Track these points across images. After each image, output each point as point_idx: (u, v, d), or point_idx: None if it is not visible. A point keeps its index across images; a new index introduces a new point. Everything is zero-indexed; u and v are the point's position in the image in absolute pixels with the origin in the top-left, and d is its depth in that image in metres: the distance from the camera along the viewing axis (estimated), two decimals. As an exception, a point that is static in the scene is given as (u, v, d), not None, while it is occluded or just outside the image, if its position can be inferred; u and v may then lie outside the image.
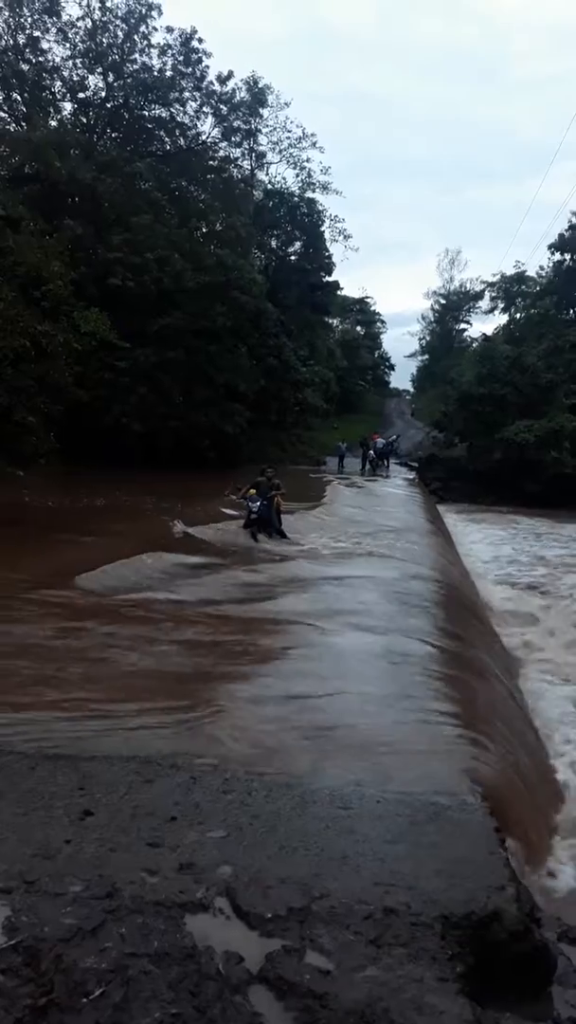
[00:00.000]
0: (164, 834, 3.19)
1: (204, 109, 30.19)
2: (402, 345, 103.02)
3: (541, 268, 46.01)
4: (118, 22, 27.41)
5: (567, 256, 41.94)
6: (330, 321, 49.69)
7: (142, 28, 27.46)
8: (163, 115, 28.88)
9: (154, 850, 3.06)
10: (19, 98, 27.15)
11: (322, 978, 2.41)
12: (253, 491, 13.23)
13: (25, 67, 26.63)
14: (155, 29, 27.65)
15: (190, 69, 28.67)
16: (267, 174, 38.33)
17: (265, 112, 34.62)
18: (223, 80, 30.36)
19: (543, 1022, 2.51)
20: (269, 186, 38.39)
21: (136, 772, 3.79)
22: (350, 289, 60.41)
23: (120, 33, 27.43)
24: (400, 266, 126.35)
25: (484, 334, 39.94)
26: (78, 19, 27.09)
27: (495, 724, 5.55)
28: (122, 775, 3.74)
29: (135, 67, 27.62)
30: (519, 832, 4.23)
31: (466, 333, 66.22)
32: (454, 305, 68.28)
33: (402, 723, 4.97)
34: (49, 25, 26.97)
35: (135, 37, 27.55)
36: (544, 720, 7.14)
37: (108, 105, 28.21)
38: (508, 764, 4.86)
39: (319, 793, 3.67)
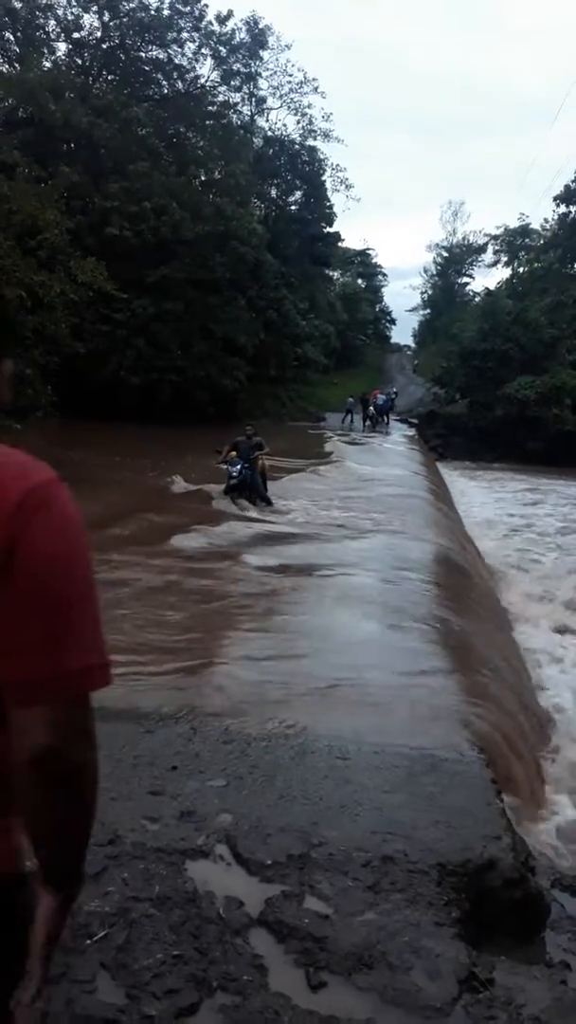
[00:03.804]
0: (165, 783, 3.23)
1: (203, 51, 29.29)
2: (403, 299, 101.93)
3: (546, 220, 45.14)
4: (113, -44, 26.41)
5: (572, 208, 41.11)
6: (331, 273, 48.81)
7: (138, -37, 26.48)
8: (160, 57, 27.98)
9: (155, 798, 3.10)
10: (12, 38, 26.28)
11: (321, 922, 2.47)
12: (234, 453, 11.95)
13: (18, 5, 25.71)
14: (151, -36, 26.67)
15: (188, 8, 27.71)
16: (267, 120, 37.22)
17: (265, 55, 33.50)
18: (222, 20, 29.43)
19: (536, 965, 2.57)
20: (269, 133, 37.27)
21: (136, 723, 3.83)
22: (351, 241, 59.41)
23: (115, -32, 26.45)
24: (402, 217, 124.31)
25: (487, 288, 39.41)
26: (72, -47, 26.09)
27: (492, 678, 5.60)
28: (122, 726, 3.77)
29: (131, 5, 26.64)
30: (514, 782, 4.30)
31: (469, 287, 65.26)
32: (457, 258, 67.08)
33: (400, 677, 5.01)
34: (42, -41, 25.98)
35: (131, -28, 26.57)
36: (540, 675, 7.23)
37: (104, 46, 27.31)
38: (504, 717, 4.91)
39: (318, 744, 3.71)
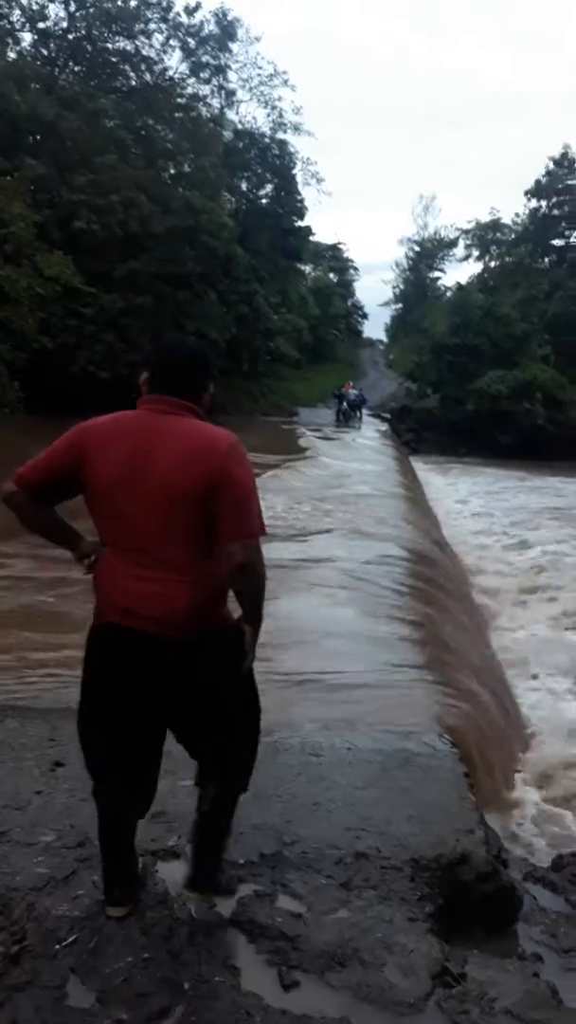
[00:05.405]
0: (136, 783, 3.18)
1: (171, 42, 29.11)
2: (375, 294, 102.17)
3: (516, 215, 45.41)
4: (78, -55, 26.04)
5: (543, 203, 41.46)
6: (302, 267, 48.72)
7: (104, -48, 26.13)
8: (128, 48, 27.70)
9: (126, 799, 3.05)
10: (-25, 27, 25.82)
11: (294, 921, 2.45)
12: None
13: (-19, -7, 25.29)
14: (118, -46, 26.34)
15: (156, -1, 27.48)
16: (237, 113, 37.00)
17: (235, 47, 33.21)
18: (191, 12, 29.28)
19: (509, 958, 2.57)
20: (239, 126, 37.11)
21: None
22: (323, 235, 59.19)
23: (81, -43, 26.08)
24: (373, 212, 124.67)
25: (458, 283, 39.71)
26: None
27: (464, 673, 5.63)
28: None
29: (98, -5, 26.35)
30: (487, 776, 4.33)
31: (440, 282, 65.66)
32: (428, 252, 67.41)
33: (373, 672, 5.02)
34: (5, -52, 25.53)
35: (97, -38, 26.22)
36: (513, 670, 7.29)
37: (70, 36, 26.95)
38: (477, 711, 4.94)
39: (290, 741, 3.69)
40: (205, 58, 31.54)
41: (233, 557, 2.10)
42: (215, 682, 2.25)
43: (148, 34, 27.94)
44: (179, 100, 28.90)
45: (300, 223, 40.02)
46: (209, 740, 2.39)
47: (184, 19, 29.12)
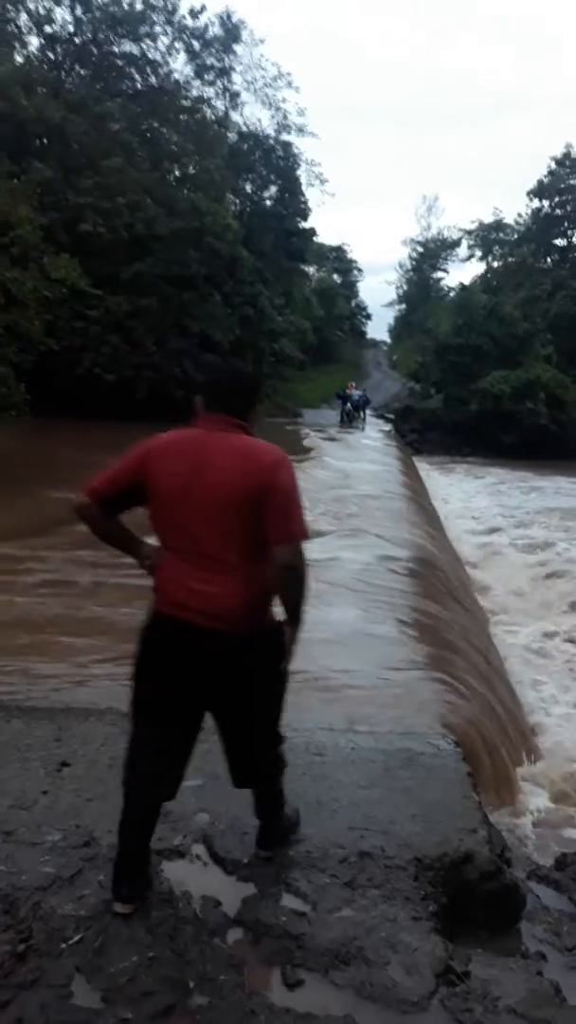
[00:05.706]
0: (141, 783, 3.20)
1: (176, 45, 29.13)
2: (379, 294, 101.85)
3: (519, 215, 45.34)
4: (83, -51, 26.10)
5: (545, 202, 41.38)
6: (306, 269, 48.66)
7: (109, -44, 26.20)
8: (133, 51, 27.73)
9: (131, 799, 3.07)
10: (-19, 31, 25.91)
11: (298, 920, 2.47)
12: None
13: (-13, -2, 25.36)
14: (123, -42, 26.39)
15: (161, 2, 27.51)
16: (241, 115, 37.00)
17: (239, 49, 33.16)
18: (195, 14, 29.29)
19: (512, 957, 2.58)
20: (243, 128, 37.11)
21: (112, 723, 3.79)
22: (326, 236, 59.20)
23: (86, -39, 26.14)
24: (377, 212, 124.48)
25: (461, 283, 39.63)
26: (41, -54, 25.73)
27: (469, 672, 5.63)
28: (99, 726, 3.74)
29: (104, -1, 26.43)
30: (491, 775, 4.33)
31: (443, 282, 65.55)
32: (431, 253, 67.30)
33: (377, 671, 5.03)
34: (11, -48, 25.60)
35: (102, -35, 26.29)
36: (517, 669, 7.29)
37: (76, 40, 26.99)
38: (481, 710, 4.94)
39: (294, 740, 3.69)
40: (210, 60, 31.57)
41: (278, 559, 2.33)
42: (256, 680, 2.46)
43: (153, 37, 27.98)
44: (184, 102, 28.92)
45: (304, 224, 39.94)
46: (239, 734, 2.57)
47: (189, 22, 29.17)
